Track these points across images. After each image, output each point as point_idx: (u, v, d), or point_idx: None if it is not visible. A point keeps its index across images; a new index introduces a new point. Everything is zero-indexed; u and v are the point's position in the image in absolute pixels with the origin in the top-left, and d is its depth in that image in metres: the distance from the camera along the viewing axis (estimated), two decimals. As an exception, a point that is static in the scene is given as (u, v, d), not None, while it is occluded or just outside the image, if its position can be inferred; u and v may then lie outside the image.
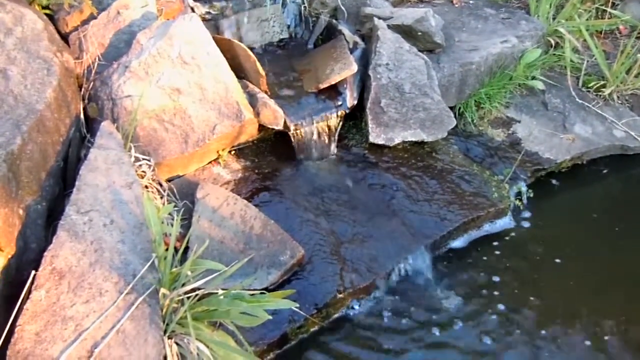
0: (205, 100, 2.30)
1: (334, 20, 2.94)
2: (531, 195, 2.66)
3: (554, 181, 2.79)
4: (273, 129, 2.48)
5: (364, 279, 2.14)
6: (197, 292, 1.61)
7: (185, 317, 1.54)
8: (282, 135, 2.58)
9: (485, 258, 2.37)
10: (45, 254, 1.56)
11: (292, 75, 2.76)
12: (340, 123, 2.60)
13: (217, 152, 2.47)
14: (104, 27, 2.41)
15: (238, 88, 2.37)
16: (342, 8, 2.95)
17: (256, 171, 2.51)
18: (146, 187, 2.10)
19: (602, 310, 2.16)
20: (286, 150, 2.60)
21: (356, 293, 2.14)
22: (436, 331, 2.09)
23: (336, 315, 2.12)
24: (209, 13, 2.77)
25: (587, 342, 2.05)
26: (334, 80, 2.54)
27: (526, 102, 3.05)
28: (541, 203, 2.65)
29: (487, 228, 2.49)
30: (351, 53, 2.67)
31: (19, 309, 1.46)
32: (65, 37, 2.42)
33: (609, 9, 3.33)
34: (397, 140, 2.58)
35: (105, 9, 2.44)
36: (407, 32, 2.80)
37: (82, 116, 2.24)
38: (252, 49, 2.61)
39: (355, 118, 2.76)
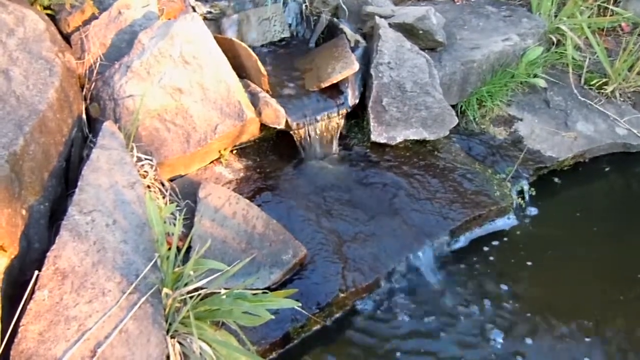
0: (207, 99, 2.30)
1: (335, 19, 2.94)
2: (533, 193, 2.66)
3: (556, 179, 2.79)
4: (275, 128, 2.48)
5: (366, 278, 2.14)
6: (199, 292, 1.62)
7: (187, 316, 1.54)
8: (284, 135, 2.58)
9: (487, 256, 2.37)
10: (48, 254, 1.56)
11: (293, 75, 2.76)
12: (342, 122, 2.60)
13: (219, 151, 2.47)
14: (106, 27, 2.41)
15: (240, 87, 2.37)
16: (344, 7, 2.95)
17: (258, 170, 2.51)
18: (148, 187, 2.11)
19: (605, 307, 2.16)
20: (288, 149, 2.60)
21: (358, 292, 2.14)
22: (438, 329, 2.09)
23: (339, 314, 2.12)
24: (210, 12, 2.78)
25: (588, 339, 2.05)
26: (335, 79, 2.54)
27: (528, 100, 3.05)
28: (543, 201, 2.64)
29: (490, 226, 2.48)
30: (353, 52, 2.67)
31: (22, 309, 1.47)
32: (67, 38, 2.42)
33: (611, 6, 3.32)
34: (399, 139, 2.57)
35: (107, 9, 2.44)
36: (408, 30, 2.80)
37: (84, 116, 2.25)
38: (253, 48, 2.61)
39: (357, 117, 2.76)
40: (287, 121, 2.44)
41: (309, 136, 2.55)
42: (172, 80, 2.25)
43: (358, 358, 2.00)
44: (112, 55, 2.39)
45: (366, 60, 2.73)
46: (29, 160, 1.77)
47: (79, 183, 1.77)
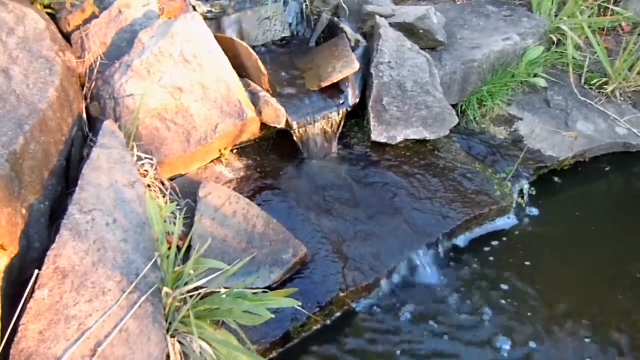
0: (207, 98, 2.30)
1: (335, 18, 2.94)
2: (533, 192, 2.66)
3: (556, 178, 2.79)
4: (275, 127, 2.48)
5: (367, 277, 2.14)
6: (199, 291, 1.62)
7: (187, 315, 1.54)
8: (284, 134, 2.58)
9: (487, 256, 2.37)
10: (48, 253, 1.56)
11: (293, 74, 2.76)
12: (342, 121, 2.60)
13: (219, 150, 2.47)
14: (106, 26, 2.41)
15: (240, 86, 2.37)
16: (344, 6, 2.95)
17: (258, 170, 2.51)
18: (148, 186, 2.11)
19: (605, 307, 2.16)
20: (288, 148, 2.60)
21: (358, 291, 2.14)
22: (439, 329, 2.09)
23: (339, 314, 2.12)
24: (210, 11, 2.77)
25: (588, 339, 2.05)
26: (335, 78, 2.54)
27: (528, 99, 3.05)
28: (543, 200, 2.64)
29: (490, 226, 2.48)
30: (353, 51, 2.67)
31: (22, 308, 1.46)
32: (67, 36, 2.42)
33: (611, 6, 3.32)
34: (399, 139, 2.57)
35: (107, 8, 2.43)
36: (408, 29, 2.80)
37: (84, 115, 2.25)
38: (253, 47, 2.61)
39: (357, 116, 2.76)
40: (287, 120, 2.44)
41: (309, 135, 2.55)
42: (172, 79, 2.25)
43: (358, 357, 2.00)
44: (112, 54, 2.39)
45: (366, 60, 2.73)
46: (29, 159, 1.77)
47: (79, 182, 1.77)
